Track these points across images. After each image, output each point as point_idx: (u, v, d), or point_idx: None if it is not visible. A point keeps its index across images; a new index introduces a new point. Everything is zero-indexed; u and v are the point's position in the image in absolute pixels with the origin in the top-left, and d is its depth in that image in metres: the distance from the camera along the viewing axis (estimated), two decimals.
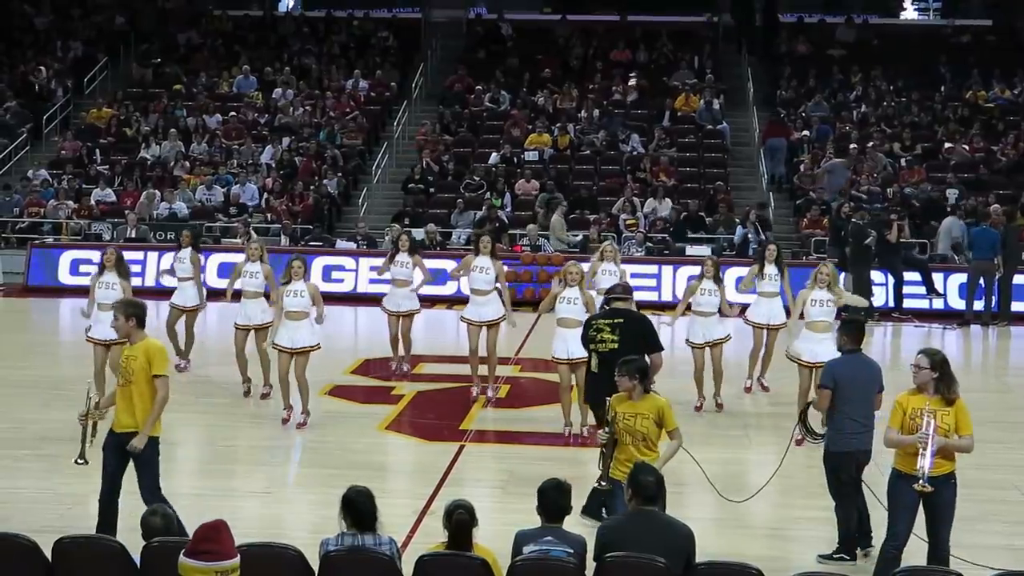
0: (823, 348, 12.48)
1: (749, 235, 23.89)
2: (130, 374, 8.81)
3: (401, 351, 16.12)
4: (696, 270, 21.93)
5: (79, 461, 8.83)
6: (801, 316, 13.34)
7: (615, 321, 10.74)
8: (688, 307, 14.75)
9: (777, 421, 13.83)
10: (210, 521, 5.77)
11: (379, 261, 22.15)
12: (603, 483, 8.82)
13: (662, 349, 10.95)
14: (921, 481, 8.00)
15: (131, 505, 8.66)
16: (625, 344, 10.30)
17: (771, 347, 15.24)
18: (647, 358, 9.71)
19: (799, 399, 12.59)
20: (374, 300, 18.34)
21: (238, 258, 22.68)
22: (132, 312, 9.00)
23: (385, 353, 16.43)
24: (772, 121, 28.44)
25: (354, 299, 22.24)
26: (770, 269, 15.17)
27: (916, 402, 8.19)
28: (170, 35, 33.58)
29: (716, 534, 9.59)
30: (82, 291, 22.91)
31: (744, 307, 15.31)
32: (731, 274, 18.87)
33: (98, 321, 13.57)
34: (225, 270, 21.46)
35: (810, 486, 10.62)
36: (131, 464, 8.87)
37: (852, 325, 9.76)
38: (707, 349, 14.30)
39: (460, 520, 7.09)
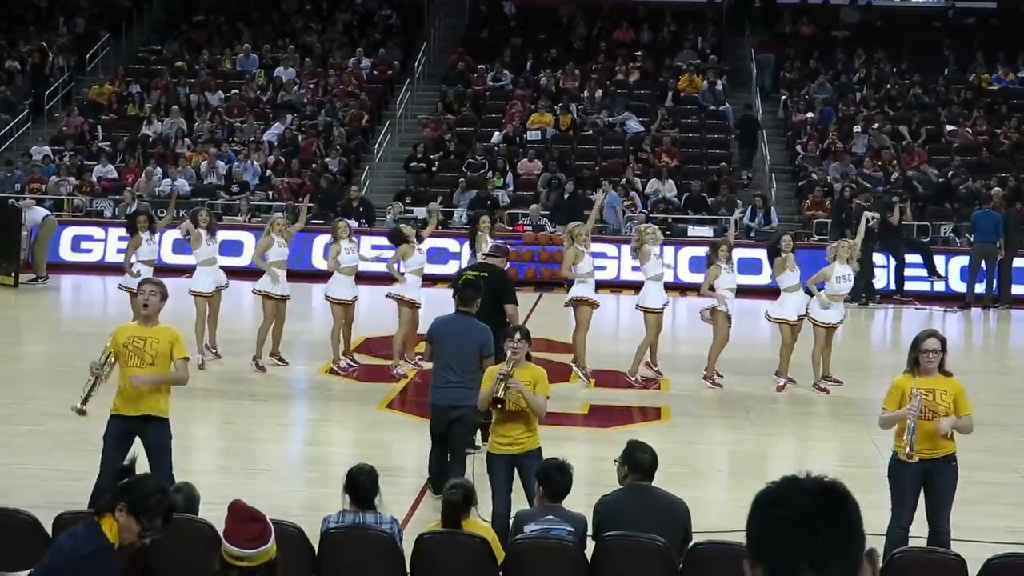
0: (836, 313, 14.31)
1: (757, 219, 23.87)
2: (152, 356, 8.56)
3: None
4: (699, 251, 22.16)
5: (80, 408, 8.65)
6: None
7: (480, 274, 11.29)
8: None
9: (796, 407, 13.85)
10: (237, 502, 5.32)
11: (381, 239, 22.25)
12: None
13: (516, 303, 11.56)
14: (907, 451, 8.02)
15: None
16: (485, 294, 10.62)
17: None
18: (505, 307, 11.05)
19: (815, 357, 14.30)
20: (375, 279, 18.33)
21: (239, 235, 22.95)
22: (166, 293, 8.89)
23: (387, 332, 16.39)
24: (762, 39, 30.89)
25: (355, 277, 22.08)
26: (791, 260, 14.56)
27: (920, 382, 8.17)
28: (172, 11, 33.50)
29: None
30: (83, 267, 23.26)
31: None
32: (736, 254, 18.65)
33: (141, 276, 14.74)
34: (226, 248, 21.35)
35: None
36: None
37: (468, 286, 10.17)
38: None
39: (449, 498, 7.10)
